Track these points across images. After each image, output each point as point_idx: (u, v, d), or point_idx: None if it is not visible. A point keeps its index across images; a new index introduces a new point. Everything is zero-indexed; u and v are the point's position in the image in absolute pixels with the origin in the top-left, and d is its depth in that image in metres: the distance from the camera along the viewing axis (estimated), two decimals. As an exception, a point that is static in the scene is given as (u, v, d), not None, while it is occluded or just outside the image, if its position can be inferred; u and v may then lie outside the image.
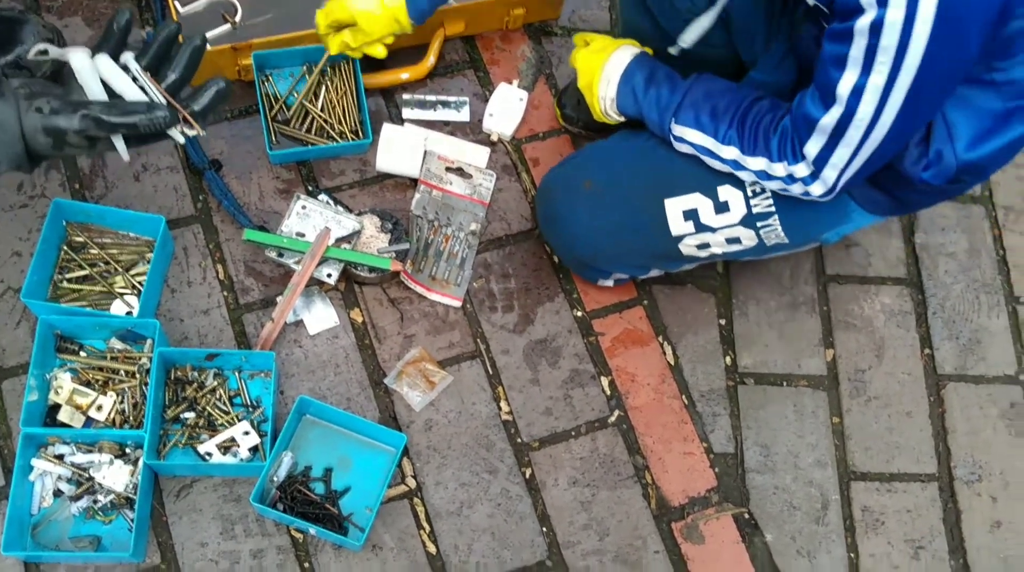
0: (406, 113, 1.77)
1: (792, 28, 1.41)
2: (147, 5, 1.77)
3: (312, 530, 1.46)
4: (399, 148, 1.70)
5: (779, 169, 1.33)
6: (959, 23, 1.09)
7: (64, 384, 1.47)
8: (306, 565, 1.48)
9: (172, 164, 1.69)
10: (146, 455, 1.41)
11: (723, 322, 1.73)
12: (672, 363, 1.68)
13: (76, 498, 1.44)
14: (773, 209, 1.44)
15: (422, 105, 1.78)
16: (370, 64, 1.68)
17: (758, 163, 1.36)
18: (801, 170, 1.31)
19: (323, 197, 1.66)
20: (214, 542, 1.48)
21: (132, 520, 1.43)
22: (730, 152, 1.38)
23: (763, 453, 1.65)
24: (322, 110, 1.71)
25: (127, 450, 1.46)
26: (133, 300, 1.53)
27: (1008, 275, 1.84)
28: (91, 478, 1.43)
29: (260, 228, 1.63)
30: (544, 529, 1.55)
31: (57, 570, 1.44)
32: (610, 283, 1.68)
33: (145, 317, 1.52)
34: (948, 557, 1.63)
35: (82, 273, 1.55)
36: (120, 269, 1.56)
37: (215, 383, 1.52)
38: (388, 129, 1.71)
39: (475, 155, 1.75)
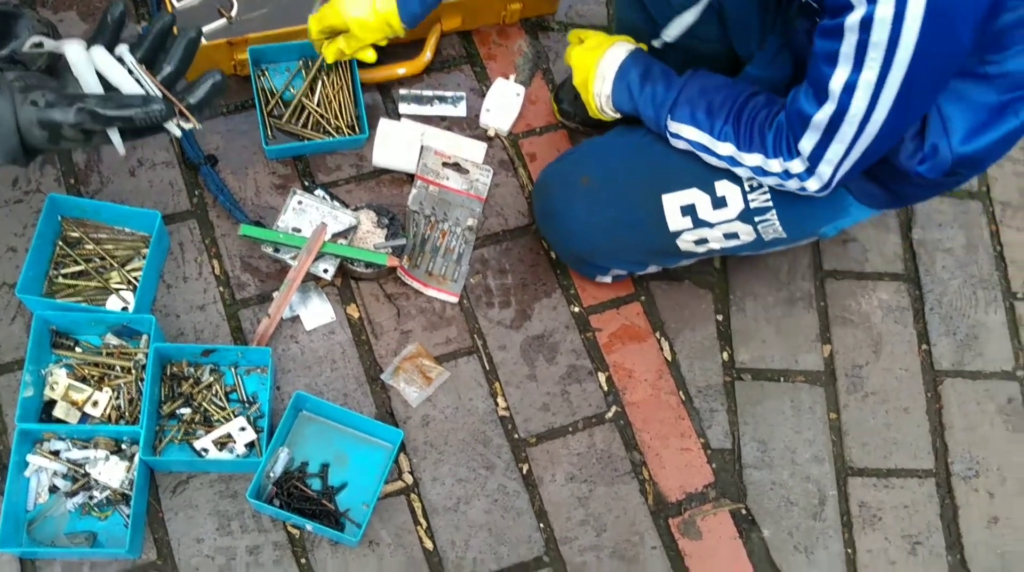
0: (403, 108, 1.77)
1: (786, 23, 1.41)
2: (142, 0, 1.77)
3: (308, 526, 1.45)
4: (395, 143, 1.69)
5: (775, 165, 1.33)
6: (949, 18, 1.09)
7: (60, 380, 1.46)
8: (303, 561, 1.48)
9: (168, 159, 1.68)
10: (142, 451, 1.40)
11: (720, 318, 1.72)
12: (669, 359, 1.68)
13: (72, 494, 1.43)
14: (770, 204, 1.44)
15: (419, 100, 1.77)
16: (366, 59, 1.68)
17: (754, 159, 1.35)
18: (797, 166, 1.31)
19: (319, 192, 1.65)
20: (210, 538, 1.47)
21: (128, 516, 1.42)
22: (726, 148, 1.38)
23: (760, 449, 1.65)
24: (318, 105, 1.70)
25: (123, 446, 1.45)
26: (129, 296, 1.53)
27: (1005, 271, 1.85)
28: (87, 474, 1.43)
29: (256, 223, 1.63)
30: (541, 525, 1.55)
31: (53, 566, 1.43)
32: (608, 279, 1.67)
33: (141, 313, 1.51)
34: (945, 553, 1.64)
35: (77, 269, 1.55)
36: (116, 265, 1.55)
37: (211, 379, 1.51)
38: (384, 124, 1.70)
39: (472, 150, 1.75)
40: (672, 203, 1.48)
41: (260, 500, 1.43)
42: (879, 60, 1.12)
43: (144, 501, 1.46)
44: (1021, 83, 1.25)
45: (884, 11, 1.08)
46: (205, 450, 1.47)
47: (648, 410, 1.63)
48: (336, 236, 1.60)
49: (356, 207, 1.65)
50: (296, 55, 1.72)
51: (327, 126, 1.70)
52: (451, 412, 1.59)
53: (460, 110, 1.78)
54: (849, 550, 1.61)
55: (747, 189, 1.44)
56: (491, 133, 1.78)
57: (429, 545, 1.51)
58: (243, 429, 1.48)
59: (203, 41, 1.58)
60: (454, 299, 1.65)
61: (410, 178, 1.72)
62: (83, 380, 1.48)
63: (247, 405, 1.52)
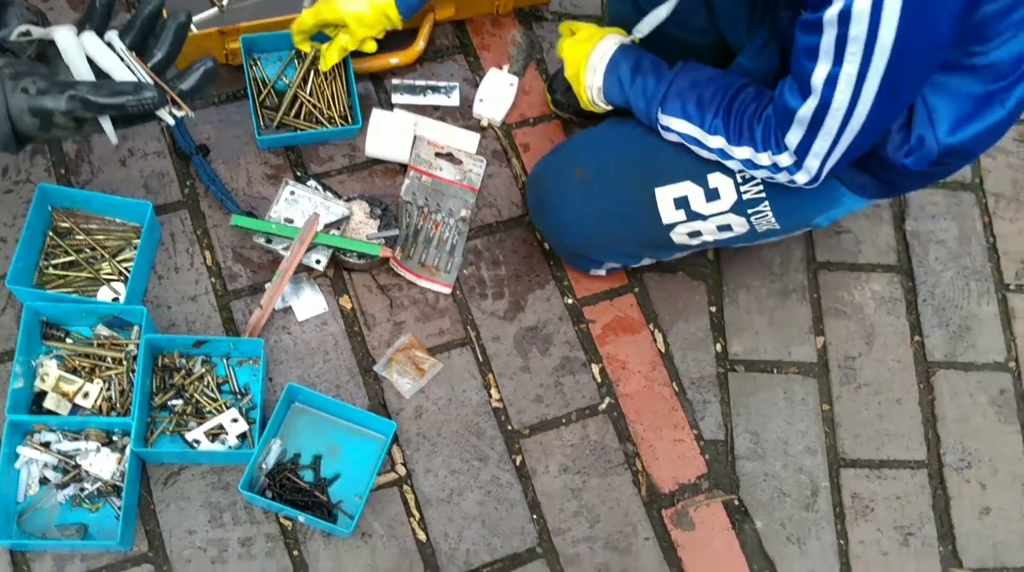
0: (395, 98, 1.76)
1: (774, 13, 1.41)
2: (132, -12, 1.76)
3: (301, 518, 1.45)
4: (388, 133, 1.69)
5: (764, 158, 1.33)
6: (927, 10, 1.08)
7: (50, 371, 1.45)
8: (295, 553, 1.47)
9: (159, 149, 1.67)
10: (133, 443, 1.40)
11: (714, 309, 1.72)
12: (663, 350, 1.68)
13: (62, 486, 1.43)
14: (763, 195, 1.44)
15: (412, 90, 1.77)
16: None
17: (744, 152, 1.35)
18: (785, 159, 1.31)
19: (312, 183, 1.64)
20: (202, 530, 1.47)
21: (119, 508, 1.42)
22: (716, 141, 1.38)
23: (753, 440, 1.65)
24: (311, 95, 1.69)
25: (114, 438, 1.45)
26: (120, 286, 1.52)
27: (998, 262, 1.85)
28: (78, 466, 1.42)
29: (248, 214, 1.62)
30: (534, 516, 1.55)
31: (43, 558, 1.43)
32: (602, 273, 1.67)
33: (132, 304, 1.51)
34: (937, 543, 1.64)
35: (68, 259, 1.54)
36: (107, 255, 1.54)
37: (203, 370, 1.51)
38: (377, 114, 1.70)
39: (465, 141, 1.74)
40: (665, 196, 1.47)
41: (252, 492, 1.43)
42: (859, 54, 1.12)
43: (135, 493, 1.45)
44: (1007, 73, 1.25)
45: (862, 4, 1.08)
46: (197, 441, 1.47)
47: (641, 401, 1.63)
48: (329, 227, 1.60)
49: (349, 198, 1.64)
50: (289, 45, 1.70)
51: (320, 116, 1.69)
52: (444, 404, 1.58)
53: (453, 100, 1.77)
54: (841, 541, 1.62)
55: (740, 181, 1.44)
56: (484, 123, 1.77)
57: (422, 536, 1.51)
58: (235, 420, 1.47)
59: (194, 30, 1.59)
60: (447, 290, 1.65)
61: (403, 168, 1.71)
62: (74, 371, 1.47)
63: (239, 396, 1.51)
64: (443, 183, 1.70)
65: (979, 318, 1.80)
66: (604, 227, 1.54)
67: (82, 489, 1.43)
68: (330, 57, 1.61)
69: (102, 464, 1.42)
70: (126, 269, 1.53)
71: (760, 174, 1.37)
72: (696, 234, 1.51)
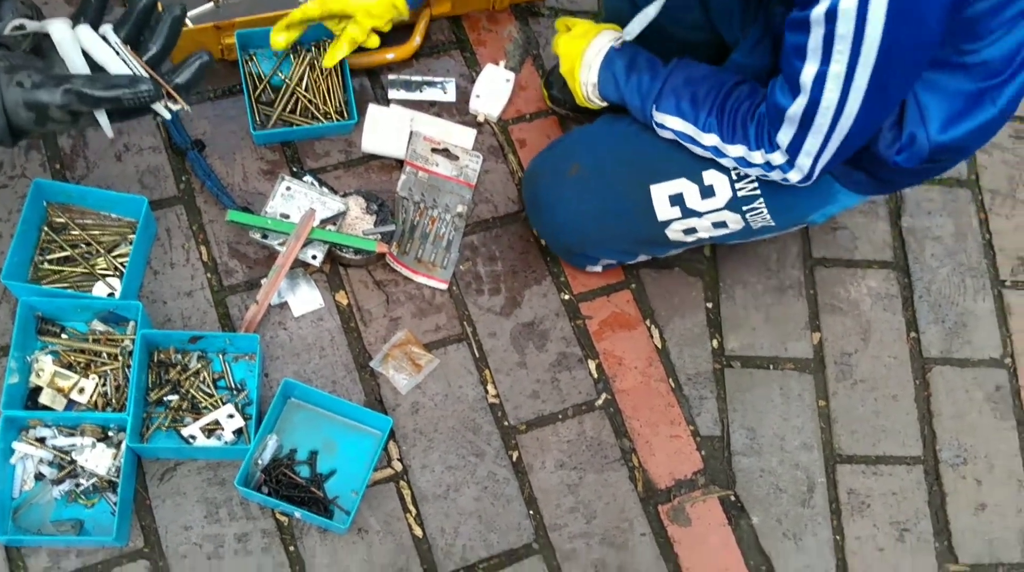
0: (392, 94, 1.76)
1: (767, 9, 1.41)
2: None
3: (297, 513, 1.45)
4: (384, 129, 1.68)
5: (757, 157, 1.34)
6: (914, 8, 1.08)
7: (45, 366, 1.45)
8: (291, 549, 1.47)
9: (154, 144, 1.67)
10: (129, 438, 1.39)
11: (710, 305, 1.72)
12: (659, 346, 1.68)
13: (58, 481, 1.42)
14: (758, 192, 1.44)
15: (408, 86, 1.76)
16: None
17: (737, 150, 1.36)
18: (778, 158, 1.31)
19: (308, 178, 1.64)
20: (198, 526, 1.46)
21: (115, 504, 1.41)
22: (710, 139, 1.38)
23: (749, 436, 1.65)
24: (307, 90, 1.69)
25: (110, 433, 1.44)
26: (115, 282, 1.52)
27: (994, 259, 1.85)
28: (73, 461, 1.42)
29: (244, 209, 1.61)
30: (531, 512, 1.55)
31: (39, 554, 1.42)
32: (598, 269, 1.67)
33: (128, 299, 1.50)
34: (933, 539, 1.64)
35: (63, 254, 1.53)
36: (102, 250, 1.54)
37: (199, 365, 1.50)
38: (373, 110, 1.69)
39: (461, 136, 1.74)
40: (660, 193, 1.48)
41: (248, 487, 1.43)
42: (846, 52, 1.12)
43: (131, 488, 1.45)
44: (998, 71, 1.25)
45: (848, 3, 1.08)
46: (193, 437, 1.46)
47: (638, 397, 1.63)
48: (325, 222, 1.59)
49: (345, 193, 1.64)
50: (284, 40, 1.70)
51: (316, 111, 1.69)
52: (440, 399, 1.58)
53: (450, 96, 1.77)
54: (837, 537, 1.62)
55: (735, 178, 1.44)
56: (481, 119, 1.77)
57: (419, 532, 1.51)
58: (231, 416, 1.47)
59: (189, 25, 1.58)
60: (443, 286, 1.64)
61: (399, 164, 1.71)
62: (69, 367, 1.47)
63: (235, 392, 1.51)
64: (439, 179, 1.70)
65: (975, 314, 1.80)
66: (599, 224, 1.54)
67: (78, 485, 1.43)
68: (338, 51, 1.58)
69: (98, 460, 1.41)
70: (122, 264, 1.53)
71: (754, 172, 1.38)
72: (691, 231, 1.51)
